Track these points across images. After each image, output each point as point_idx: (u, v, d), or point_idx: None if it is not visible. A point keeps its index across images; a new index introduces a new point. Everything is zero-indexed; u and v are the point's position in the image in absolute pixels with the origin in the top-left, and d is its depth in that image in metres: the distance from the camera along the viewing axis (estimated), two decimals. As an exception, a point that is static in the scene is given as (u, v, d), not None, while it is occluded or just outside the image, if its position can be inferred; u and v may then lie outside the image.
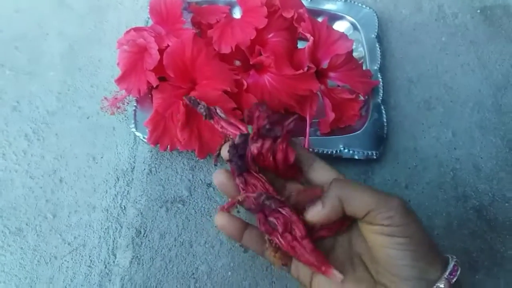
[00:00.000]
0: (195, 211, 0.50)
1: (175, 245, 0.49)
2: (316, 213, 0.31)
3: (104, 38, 0.62)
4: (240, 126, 0.34)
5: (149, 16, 0.52)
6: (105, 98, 0.51)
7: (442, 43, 0.64)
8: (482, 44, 0.64)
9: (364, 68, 0.58)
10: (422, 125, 0.57)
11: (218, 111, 0.35)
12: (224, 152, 0.33)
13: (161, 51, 0.46)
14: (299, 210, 0.32)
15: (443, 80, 0.61)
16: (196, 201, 0.51)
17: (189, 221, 0.50)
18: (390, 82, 0.60)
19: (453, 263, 0.29)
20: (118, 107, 0.52)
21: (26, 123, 0.55)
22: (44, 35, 0.62)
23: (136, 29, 0.50)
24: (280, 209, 0.31)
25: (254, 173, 0.33)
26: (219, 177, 0.34)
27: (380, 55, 0.59)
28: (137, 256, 0.48)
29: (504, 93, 0.60)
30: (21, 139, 0.54)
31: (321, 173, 0.34)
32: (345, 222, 0.33)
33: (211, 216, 0.50)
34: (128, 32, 0.50)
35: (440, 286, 0.27)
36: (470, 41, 0.64)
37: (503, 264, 0.49)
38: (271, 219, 0.31)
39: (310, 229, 0.32)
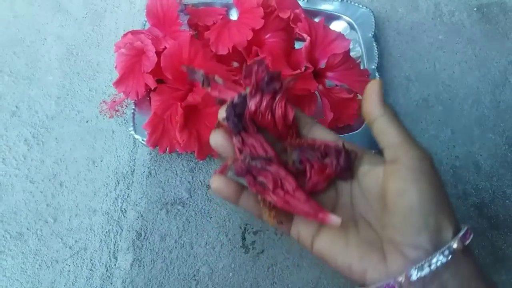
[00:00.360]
0: (195, 213, 0.50)
1: (175, 247, 0.49)
2: (372, 90, 0.31)
3: (102, 42, 0.62)
4: (239, 89, 0.33)
5: (146, 19, 0.52)
6: (104, 101, 0.52)
7: (439, 41, 0.64)
8: (479, 41, 0.64)
9: (361, 67, 0.58)
10: (421, 124, 0.57)
11: (215, 78, 0.34)
12: (222, 113, 0.33)
13: (158, 54, 0.46)
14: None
15: (441, 78, 0.61)
16: (196, 202, 0.51)
17: (189, 222, 0.50)
18: (388, 81, 0.60)
19: (466, 227, 0.28)
20: (117, 110, 0.52)
21: (25, 127, 0.55)
22: (42, 40, 0.62)
23: (134, 32, 0.50)
24: (267, 167, 0.31)
25: (252, 133, 0.32)
26: (216, 137, 0.33)
27: (378, 54, 0.59)
28: (138, 259, 0.48)
29: (502, 90, 0.60)
30: (20, 144, 0.54)
31: (320, 135, 0.33)
32: (337, 172, 0.33)
33: (211, 217, 0.50)
34: (125, 35, 0.50)
35: (453, 245, 0.27)
36: (467, 39, 0.64)
37: (505, 261, 0.49)
38: (260, 178, 0.31)
39: (301, 182, 0.32)
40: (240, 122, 0.32)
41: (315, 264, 0.48)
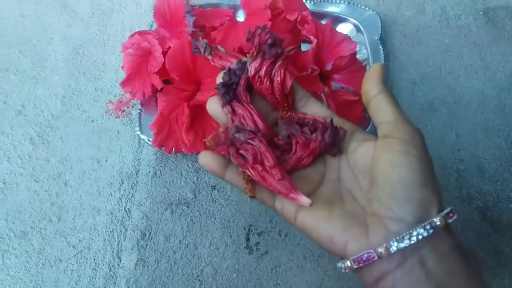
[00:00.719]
0: (199, 214, 0.50)
1: (180, 247, 0.49)
2: (373, 72, 0.32)
3: (108, 42, 0.62)
4: (240, 56, 0.33)
5: (153, 19, 0.52)
6: (110, 101, 0.52)
7: (445, 44, 0.64)
8: (485, 45, 0.64)
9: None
10: (426, 127, 0.57)
11: (218, 47, 0.35)
12: (219, 79, 0.33)
13: (165, 54, 0.46)
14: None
15: (447, 82, 0.61)
16: (200, 203, 0.51)
17: (194, 223, 0.50)
18: (394, 84, 0.60)
19: (450, 208, 0.28)
20: (123, 111, 0.52)
21: (31, 126, 0.56)
22: (48, 39, 0.63)
23: (141, 33, 0.50)
24: (250, 141, 0.31)
25: (244, 104, 0.32)
26: (212, 104, 0.33)
27: (384, 56, 0.59)
28: (142, 259, 0.48)
29: (508, 94, 0.60)
30: (26, 143, 0.55)
31: (314, 109, 0.34)
32: (322, 148, 0.33)
33: (215, 218, 0.50)
34: (132, 35, 0.50)
35: (436, 221, 0.27)
36: (473, 43, 0.64)
37: (508, 264, 0.49)
38: (241, 151, 0.31)
39: (282, 160, 0.32)
40: (229, 92, 0.32)
41: (319, 266, 0.48)
